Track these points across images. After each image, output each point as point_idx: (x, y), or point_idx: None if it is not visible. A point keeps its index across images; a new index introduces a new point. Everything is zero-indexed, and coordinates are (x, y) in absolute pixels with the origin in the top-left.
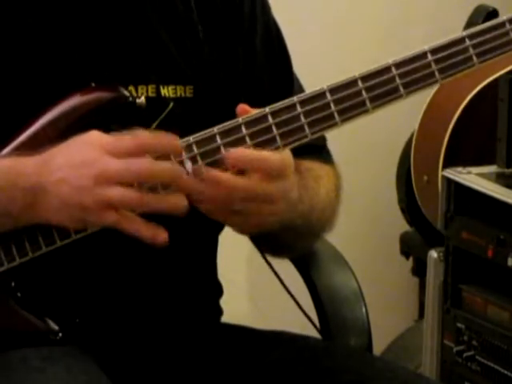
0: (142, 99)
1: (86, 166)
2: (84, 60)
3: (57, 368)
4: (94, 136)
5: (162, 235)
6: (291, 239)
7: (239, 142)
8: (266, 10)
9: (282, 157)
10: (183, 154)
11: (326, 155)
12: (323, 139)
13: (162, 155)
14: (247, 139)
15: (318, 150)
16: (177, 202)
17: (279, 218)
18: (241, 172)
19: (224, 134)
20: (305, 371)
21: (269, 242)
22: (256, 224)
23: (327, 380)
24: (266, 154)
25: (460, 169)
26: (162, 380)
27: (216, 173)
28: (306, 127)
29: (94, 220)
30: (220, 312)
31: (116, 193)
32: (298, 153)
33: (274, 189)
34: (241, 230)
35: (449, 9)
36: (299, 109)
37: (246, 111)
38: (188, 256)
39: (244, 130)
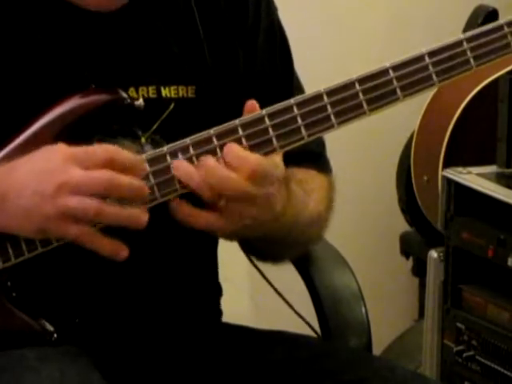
0: (141, 101)
1: (48, 174)
2: (84, 61)
3: (51, 368)
4: (60, 146)
5: (122, 252)
6: (274, 249)
7: (235, 143)
8: (270, 10)
9: (266, 163)
10: (179, 155)
11: (322, 163)
12: (322, 146)
13: (127, 170)
14: (243, 141)
15: (315, 158)
16: (137, 216)
17: (260, 227)
18: None
19: (220, 135)
20: (305, 371)
21: (254, 250)
22: (236, 226)
23: (327, 380)
24: (249, 155)
25: (460, 169)
26: (161, 381)
27: (211, 159)
28: (303, 129)
29: (55, 230)
30: (220, 313)
31: (75, 201)
32: (295, 160)
33: (257, 192)
34: (222, 231)
35: (449, 9)
36: (296, 111)
37: (254, 109)
38: (188, 257)
39: (240, 132)
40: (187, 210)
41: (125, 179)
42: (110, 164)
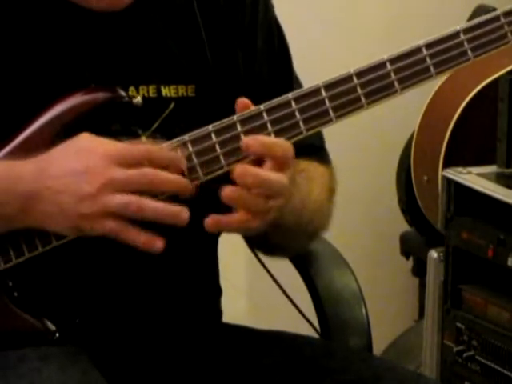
0: (139, 99)
1: (87, 175)
2: (85, 62)
3: (52, 368)
4: (92, 142)
5: (157, 243)
6: (282, 238)
7: (234, 139)
8: (268, 8)
9: (290, 143)
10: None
11: (323, 156)
12: (321, 140)
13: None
14: (242, 137)
15: (315, 151)
16: (178, 213)
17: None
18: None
19: (219, 131)
20: (305, 371)
21: (261, 241)
22: (267, 221)
23: (327, 380)
24: (281, 140)
25: (460, 169)
26: (161, 381)
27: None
28: (301, 124)
29: (92, 227)
30: (220, 314)
31: (117, 199)
32: (296, 153)
33: (284, 179)
34: (256, 230)
35: (449, 9)
36: (294, 105)
37: (246, 106)
38: (189, 258)
39: (239, 128)
40: (224, 219)
41: (168, 176)
42: (149, 161)
